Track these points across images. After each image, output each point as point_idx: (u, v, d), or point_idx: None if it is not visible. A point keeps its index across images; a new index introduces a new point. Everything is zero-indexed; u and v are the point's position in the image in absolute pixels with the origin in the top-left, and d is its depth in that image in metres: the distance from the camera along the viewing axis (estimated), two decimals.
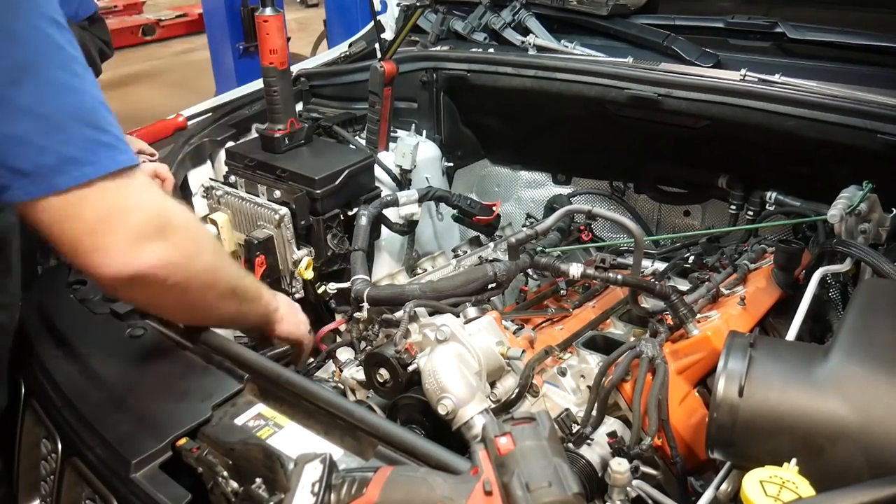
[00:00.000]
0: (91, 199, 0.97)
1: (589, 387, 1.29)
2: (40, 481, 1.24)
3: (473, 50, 2.20)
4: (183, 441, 1.04)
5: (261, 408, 1.09)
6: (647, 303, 1.45)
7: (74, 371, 1.24)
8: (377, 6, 2.24)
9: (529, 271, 1.60)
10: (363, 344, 1.47)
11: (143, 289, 1.05)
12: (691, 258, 1.76)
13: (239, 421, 1.06)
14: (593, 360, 1.35)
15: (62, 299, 1.42)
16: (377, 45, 2.16)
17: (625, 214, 2.12)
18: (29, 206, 0.96)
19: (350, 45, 2.52)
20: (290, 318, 1.41)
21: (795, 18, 1.90)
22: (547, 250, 1.57)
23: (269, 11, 1.81)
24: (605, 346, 1.45)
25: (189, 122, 2.12)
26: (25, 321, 1.38)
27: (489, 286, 1.45)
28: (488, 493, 0.77)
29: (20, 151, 0.93)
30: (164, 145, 1.99)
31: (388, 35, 2.20)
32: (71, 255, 1.02)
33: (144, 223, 1.01)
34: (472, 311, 1.32)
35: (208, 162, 2.07)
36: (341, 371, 1.52)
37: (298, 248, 1.78)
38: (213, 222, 1.82)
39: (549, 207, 2.15)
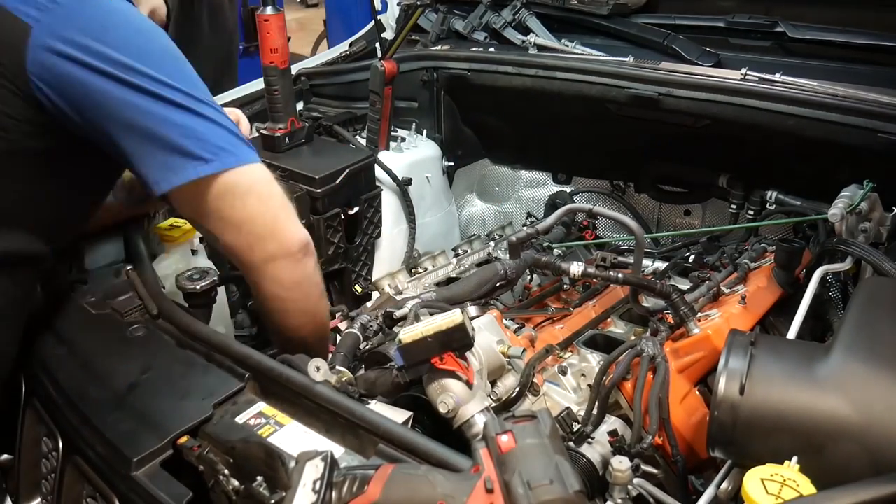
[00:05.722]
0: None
1: (590, 385, 1.29)
2: (41, 479, 1.24)
3: (474, 49, 2.20)
4: (184, 439, 1.04)
5: (262, 406, 1.09)
6: (648, 302, 1.46)
7: (75, 370, 1.23)
8: (377, 6, 2.24)
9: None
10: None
11: (304, 267, 1.21)
12: (692, 257, 1.77)
13: (240, 419, 1.06)
14: (594, 359, 1.35)
15: (63, 299, 1.42)
16: (377, 45, 2.16)
17: (625, 214, 2.12)
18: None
19: (350, 45, 2.52)
20: None
21: (796, 18, 1.90)
22: (553, 246, 1.57)
23: (269, 10, 1.81)
24: (605, 344, 1.45)
25: None
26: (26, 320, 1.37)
27: (499, 284, 1.45)
28: (489, 491, 0.77)
29: None
30: None
31: (388, 34, 2.19)
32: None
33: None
34: (472, 310, 1.32)
35: None
36: None
37: None
38: None
39: (551, 204, 2.15)
